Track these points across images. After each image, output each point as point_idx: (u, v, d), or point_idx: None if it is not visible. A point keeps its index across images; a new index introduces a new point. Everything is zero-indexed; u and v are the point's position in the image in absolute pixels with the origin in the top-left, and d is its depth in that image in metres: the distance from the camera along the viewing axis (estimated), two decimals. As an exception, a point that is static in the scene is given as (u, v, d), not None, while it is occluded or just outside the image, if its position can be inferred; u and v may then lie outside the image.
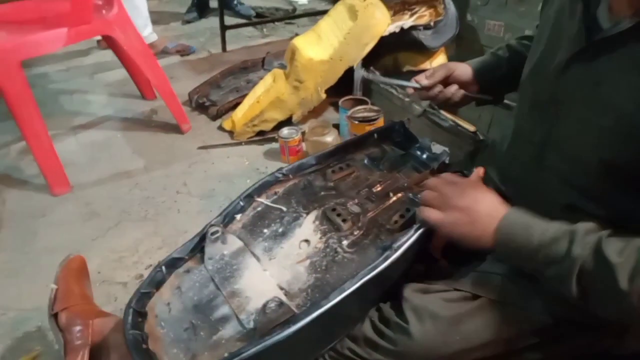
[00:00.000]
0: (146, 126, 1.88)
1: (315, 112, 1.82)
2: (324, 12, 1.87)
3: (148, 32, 2.37)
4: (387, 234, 0.73)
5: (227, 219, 0.77)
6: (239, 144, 1.74)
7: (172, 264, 0.73)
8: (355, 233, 0.73)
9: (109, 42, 1.91)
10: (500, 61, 0.91)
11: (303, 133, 1.61)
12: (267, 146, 1.71)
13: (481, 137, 1.27)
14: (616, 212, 0.59)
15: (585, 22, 0.61)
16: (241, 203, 0.79)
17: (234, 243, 0.73)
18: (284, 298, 0.64)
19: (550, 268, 0.57)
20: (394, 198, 0.80)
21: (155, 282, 0.70)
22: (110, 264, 1.25)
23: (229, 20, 2.48)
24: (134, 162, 1.67)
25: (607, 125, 0.56)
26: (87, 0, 1.40)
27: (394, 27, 1.68)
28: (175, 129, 1.82)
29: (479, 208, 0.63)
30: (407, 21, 1.73)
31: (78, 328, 0.75)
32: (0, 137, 1.82)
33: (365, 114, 1.54)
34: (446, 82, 0.92)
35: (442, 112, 1.41)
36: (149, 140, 1.80)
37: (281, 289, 0.66)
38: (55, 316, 0.80)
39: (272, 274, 0.68)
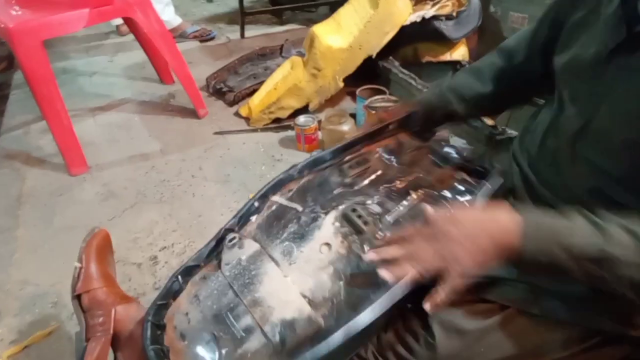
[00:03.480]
0: (163, 110, 1.90)
1: (332, 100, 1.81)
2: (344, 0, 1.85)
3: (170, 15, 2.37)
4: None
5: (242, 220, 0.74)
6: (255, 130, 1.74)
7: (188, 272, 0.70)
8: (378, 236, 0.70)
9: (129, 24, 1.92)
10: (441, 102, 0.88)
11: (319, 121, 1.61)
12: (282, 134, 1.71)
13: (500, 130, 1.25)
14: None
15: (624, 14, 0.60)
16: (255, 204, 0.75)
17: (250, 246, 0.70)
18: (308, 308, 0.62)
19: (587, 264, 0.54)
20: (415, 196, 0.75)
21: (172, 292, 0.68)
22: (126, 245, 1.26)
23: (249, 6, 2.47)
24: (150, 145, 1.68)
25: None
26: (110, -18, 1.41)
27: (415, 17, 1.66)
28: (192, 113, 1.82)
29: (476, 226, 0.58)
30: (429, 11, 1.70)
31: (100, 317, 0.74)
32: (21, 115, 1.85)
33: (383, 104, 1.53)
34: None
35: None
36: (166, 124, 1.81)
37: (304, 297, 0.64)
38: (78, 297, 0.79)
39: (294, 280, 0.65)
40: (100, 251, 0.87)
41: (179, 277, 0.69)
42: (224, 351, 0.61)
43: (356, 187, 0.78)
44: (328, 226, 0.71)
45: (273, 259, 0.68)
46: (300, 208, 0.75)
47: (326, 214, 0.73)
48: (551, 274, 0.58)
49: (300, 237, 0.71)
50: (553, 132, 0.71)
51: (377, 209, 0.73)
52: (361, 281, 0.64)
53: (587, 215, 0.56)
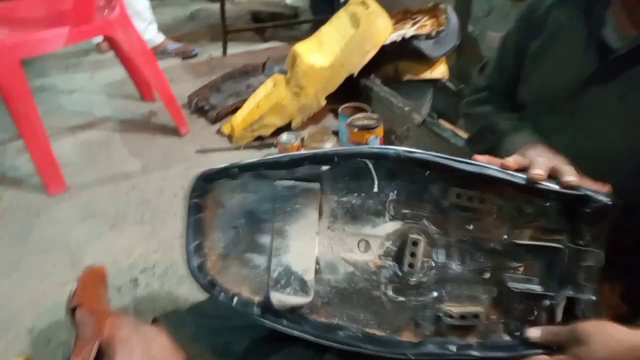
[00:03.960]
0: (145, 128, 1.88)
1: (315, 118, 1.82)
2: (326, 19, 1.88)
3: (152, 33, 2.36)
4: (434, 319, 0.60)
5: (312, 161, 0.64)
6: (238, 148, 1.73)
7: (246, 167, 0.66)
8: (411, 282, 0.61)
9: (110, 42, 1.90)
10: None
11: (302, 139, 1.61)
12: (265, 151, 1.71)
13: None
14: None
15: (594, 43, 0.62)
16: (336, 158, 0.63)
17: (310, 183, 0.64)
18: (311, 277, 0.62)
19: None
20: (487, 270, 0.62)
21: (231, 168, 0.66)
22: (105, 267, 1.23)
23: (231, 23, 2.48)
24: (131, 164, 1.66)
25: (620, 133, 0.59)
26: (90, 0, 1.40)
27: (395, 36, 1.69)
28: (174, 131, 1.81)
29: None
30: (408, 30, 1.74)
31: (91, 325, 0.77)
32: (-3, 135, 1.81)
33: (365, 122, 1.54)
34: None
35: (442, 121, 1.41)
36: (147, 142, 1.79)
37: (317, 264, 0.64)
38: (72, 312, 0.83)
39: (321, 242, 0.64)
40: (94, 277, 0.92)
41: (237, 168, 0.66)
42: (236, 246, 0.65)
43: (445, 218, 0.63)
44: (383, 229, 0.63)
45: (320, 209, 0.64)
46: (376, 189, 0.63)
47: (394, 219, 0.63)
48: None
49: (353, 214, 0.64)
50: None
51: (439, 259, 0.62)
52: (360, 305, 0.63)
53: None
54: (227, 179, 0.66)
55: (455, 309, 0.59)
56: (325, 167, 0.63)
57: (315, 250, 0.64)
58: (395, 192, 0.63)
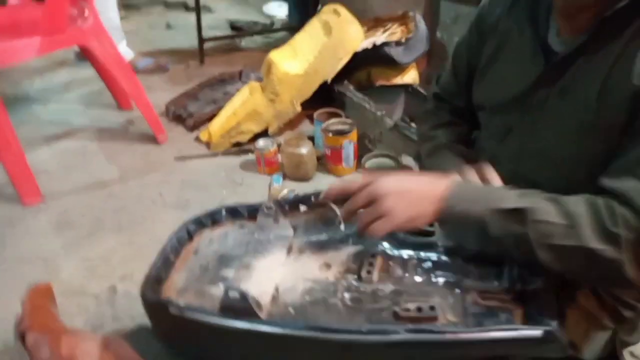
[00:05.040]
0: (122, 136, 1.88)
1: (291, 124, 1.85)
2: (300, 27, 1.92)
3: (122, 50, 2.31)
4: (391, 316, 0.62)
5: (288, 204, 0.77)
6: (216, 155, 1.75)
7: (234, 213, 0.78)
8: (368, 291, 0.64)
9: (85, 52, 1.90)
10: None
11: (279, 145, 1.64)
12: (243, 157, 1.73)
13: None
14: None
15: (539, 47, 0.67)
16: (313, 199, 0.76)
17: (284, 228, 0.73)
18: (267, 300, 0.63)
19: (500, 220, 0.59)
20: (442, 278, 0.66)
21: (213, 218, 0.77)
22: (82, 275, 1.24)
23: (207, 32, 2.50)
24: (108, 172, 1.66)
25: (575, 127, 0.63)
26: (61, 9, 1.40)
27: (367, 43, 1.74)
28: (152, 139, 1.82)
29: (410, 186, 0.63)
30: (379, 37, 1.79)
31: (46, 346, 0.74)
32: (-29, 146, 1.79)
33: (339, 127, 1.59)
34: None
35: (414, 124, 1.46)
36: (125, 150, 1.79)
37: (275, 289, 0.66)
38: (22, 338, 0.78)
39: (283, 272, 0.68)
40: (41, 296, 0.87)
41: (223, 210, 0.77)
42: (199, 279, 0.68)
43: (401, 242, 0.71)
44: (344, 254, 0.70)
45: (290, 248, 0.71)
46: (343, 228, 0.71)
47: (355, 244, 0.71)
48: (471, 228, 0.62)
49: (319, 247, 0.72)
50: (495, 160, 0.74)
51: (397, 272, 0.67)
52: (316, 311, 0.64)
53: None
54: (209, 229, 0.75)
55: (411, 304, 0.61)
56: (303, 208, 0.76)
57: (275, 279, 0.67)
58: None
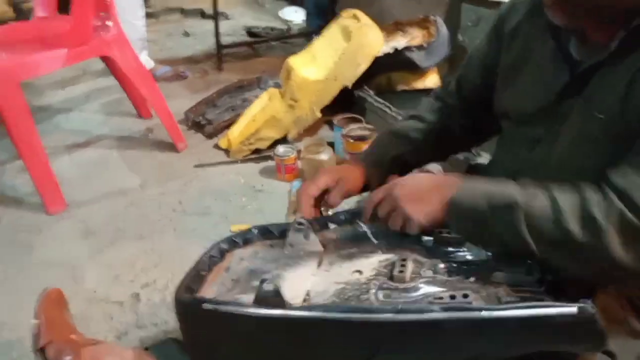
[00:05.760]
0: (142, 144, 1.90)
1: (310, 130, 1.84)
2: (318, 32, 1.91)
3: (143, 60, 2.34)
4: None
5: (320, 221, 0.79)
6: (235, 162, 1.75)
7: (264, 232, 0.79)
8: (400, 287, 0.64)
9: (106, 62, 1.93)
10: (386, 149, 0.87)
11: (299, 151, 1.63)
12: (263, 164, 1.73)
13: (475, 153, 1.29)
14: None
15: (563, 56, 0.66)
16: (342, 217, 0.79)
17: (314, 245, 0.75)
18: (298, 301, 0.64)
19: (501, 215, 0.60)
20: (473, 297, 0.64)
21: (245, 238, 0.78)
22: (106, 282, 1.25)
23: (225, 39, 2.52)
24: (129, 180, 1.67)
25: (601, 136, 0.61)
26: (87, 22, 1.43)
27: (387, 48, 1.72)
28: (171, 147, 1.83)
29: (421, 185, 0.68)
30: (400, 42, 1.77)
31: (68, 358, 0.74)
32: (-4, 155, 1.83)
33: (360, 132, 1.57)
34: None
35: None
36: (145, 158, 1.81)
37: (306, 295, 0.66)
38: (41, 351, 0.79)
39: (315, 280, 0.69)
40: (56, 304, 0.87)
41: (255, 230, 0.78)
42: (230, 292, 0.68)
43: (429, 251, 0.71)
44: (375, 261, 0.71)
45: (320, 262, 0.72)
46: (376, 242, 0.75)
47: (385, 252, 0.72)
48: (477, 227, 0.63)
49: (351, 257, 0.73)
50: (520, 173, 0.71)
51: (428, 274, 0.67)
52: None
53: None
54: (241, 249, 0.76)
55: (444, 294, 0.61)
56: (332, 226, 0.78)
57: (307, 285, 0.67)
58: (387, 241, 0.74)
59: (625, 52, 0.59)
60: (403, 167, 0.83)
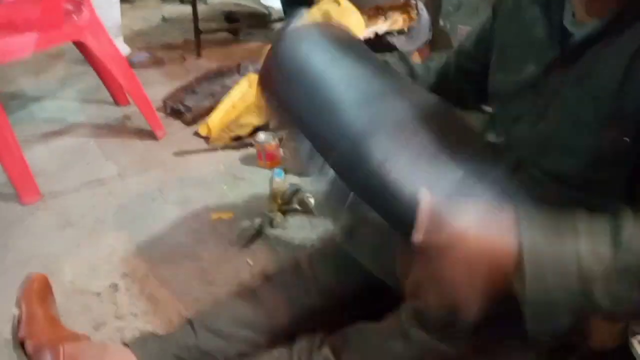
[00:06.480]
0: (120, 133, 1.85)
1: (291, 116, 1.82)
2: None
3: (119, 44, 2.29)
4: None
5: None
6: (215, 149, 1.73)
7: None
8: None
9: (80, 48, 1.87)
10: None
11: (280, 138, 1.62)
12: (243, 151, 1.71)
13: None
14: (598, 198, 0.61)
15: (555, 31, 0.64)
16: None
17: None
18: None
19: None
20: None
21: None
22: (84, 274, 1.22)
23: (203, 24, 2.47)
24: (107, 170, 1.64)
25: (592, 116, 0.60)
26: (58, 5, 1.38)
27: (368, 33, 1.71)
28: (150, 135, 1.79)
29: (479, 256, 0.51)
30: (381, 26, 1.75)
31: (47, 354, 0.73)
32: (-34, 145, 1.77)
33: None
34: None
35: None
36: (123, 146, 1.77)
37: None
38: (22, 344, 0.78)
39: None
40: (39, 295, 0.85)
41: None
42: None
43: None
44: None
45: None
46: None
47: None
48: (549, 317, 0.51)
49: None
50: (508, 148, 0.72)
51: None
52: None
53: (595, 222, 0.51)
54: None
55: None
56: None
57: None
58: None
59: (620, 27, 0.57)
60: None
